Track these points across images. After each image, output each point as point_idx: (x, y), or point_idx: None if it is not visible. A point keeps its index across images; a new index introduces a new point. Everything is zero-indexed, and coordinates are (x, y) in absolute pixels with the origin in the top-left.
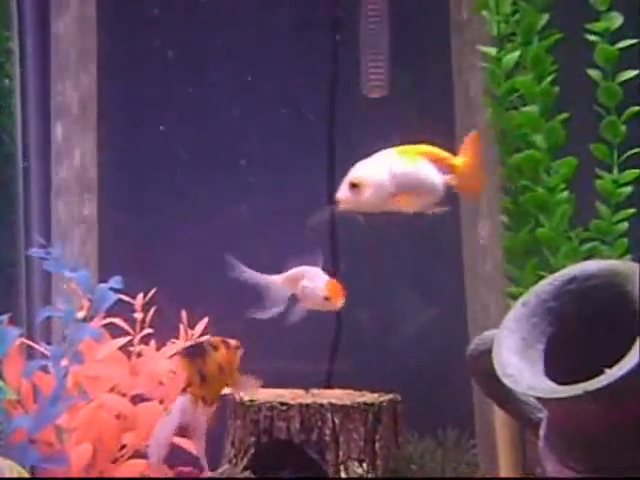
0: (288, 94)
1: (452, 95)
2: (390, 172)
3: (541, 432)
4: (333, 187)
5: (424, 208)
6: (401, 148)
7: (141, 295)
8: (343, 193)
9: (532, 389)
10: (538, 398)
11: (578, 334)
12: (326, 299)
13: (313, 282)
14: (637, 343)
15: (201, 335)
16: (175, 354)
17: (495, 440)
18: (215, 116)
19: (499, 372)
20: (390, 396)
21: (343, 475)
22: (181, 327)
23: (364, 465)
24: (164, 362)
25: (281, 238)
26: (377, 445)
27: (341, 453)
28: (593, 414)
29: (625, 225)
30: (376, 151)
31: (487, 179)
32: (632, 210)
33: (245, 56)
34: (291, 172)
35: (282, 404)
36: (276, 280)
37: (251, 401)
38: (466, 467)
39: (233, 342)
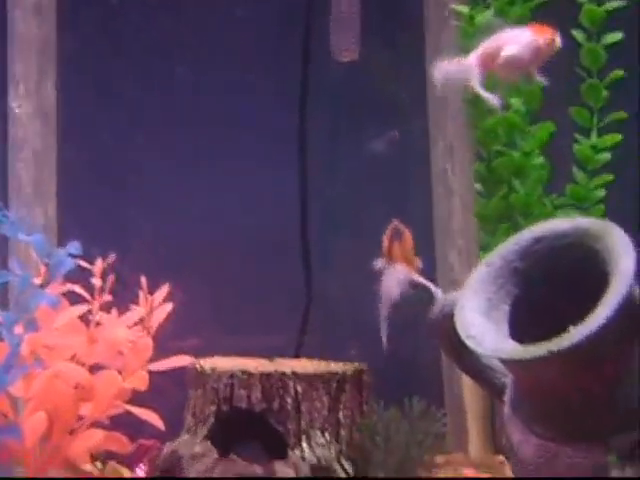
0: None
1: (424, 59)
2: None
3: (506, 398)
4: (304, 157)
5: None
6: None
7: (100, 261)
8: None
9: (495, 351)
10: (502, 360)
11: (545, 295)
12: None
13: None
14: (602, 303)
15: (163, 302)
16: None
17: (464, 411)
18: (181, 89)
19: (462, 333)
20: (355, 365)
21: (305, 445)
22: (140, 294)
23: (327, 435)
24: (124, 331)
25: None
26: (341, 415)
27: (303, 422)
28: (558, 376)
29: (602, 192)
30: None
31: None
32: (610, 176)
33: (211, 32)
34: (258, 142)
35: (243, 372)
36: None
37: (212, 369)
38: (433, 438)
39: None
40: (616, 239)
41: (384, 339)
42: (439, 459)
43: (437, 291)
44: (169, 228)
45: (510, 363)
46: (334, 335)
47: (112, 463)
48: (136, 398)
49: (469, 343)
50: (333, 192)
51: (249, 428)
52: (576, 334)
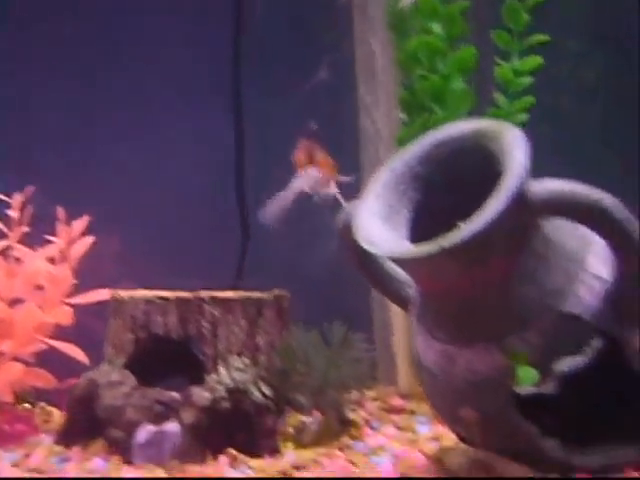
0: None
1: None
2: None
3: (411, 308)
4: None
5: None
6: None
7: (17, 193)
8: None
9: (390, 251)
10: (397, 260)
11: (447, 200)
12: None
13: None
14: (492, 200)
15: (81, 235)
16: None
17: (392, 337)
18: (115, 36)
19: (359, 236)
20: (276, 292)
21: (222, 369)
22: (59, 226)
23: (244, 359)
24: (42, 263)
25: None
26: (259, 339)
27: (220, 347)
28: (454, 275)
29: (523, 116)
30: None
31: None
32: (531, 99)
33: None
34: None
35: (160, 298)
36: None
37: (129, 297)
38: (353, 363)
39: None
40: (510, 138)
41: (268, 215)
42: (370, 393)
43: (343, 200)
44: (104, 169)
45: (405, 262)
46: (271, 273)
47: (41, 404)
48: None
49: (366, 245)
50: (267, 134)
51: (166, 354)
52: (466, 229)
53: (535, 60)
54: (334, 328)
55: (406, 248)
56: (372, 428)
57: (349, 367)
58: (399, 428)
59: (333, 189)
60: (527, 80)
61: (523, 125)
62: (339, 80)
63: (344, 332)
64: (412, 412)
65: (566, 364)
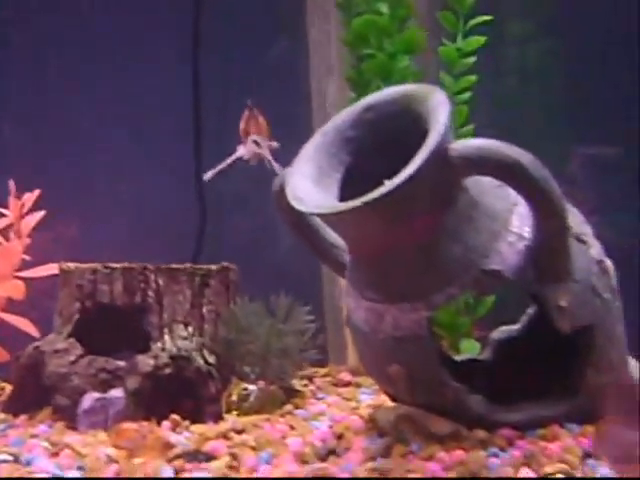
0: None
1: None
2: None
3: (346, 272)
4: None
5: None
6: None
7: None
8: None
9: (317, 207)
10: (322, 217)
11: (378, 163)
12: None
13: None
14: (415, 158)
15: (32, 209)
16: None
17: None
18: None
19: (289, 196)
20: (224, 264)
21: (167, 338)
22: (10, 199)
23: (190, 328)
24: None
25: None
26: (204, 309)
27: (165, 315)
28: (379, 231)
29: (467, 94)
30: None
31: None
32: (473, 77)
33: None
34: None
35: (105, 267)
36: None
37: (76, 267)
38: (294, 335)
39: None
40: (435, 101)
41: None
42: (322, 371)
43: (277, 166)
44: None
45: (332, 220)
46: (229, 245)
47: None
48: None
49: (294, 204)
50: (225, 102)
51: (111, 323)
52: (387, 185)
53: (478, 40)
54: (280, 300)
55: (332, 204)
56: (317, 399)
57: (292, 337)
58: (343, 398)
59: (269, 156)
60: (471, 60)
61: (466, 103)
62: (294, 56)
63: (289, 304)
64: (358, 385)
65: (501, 332)
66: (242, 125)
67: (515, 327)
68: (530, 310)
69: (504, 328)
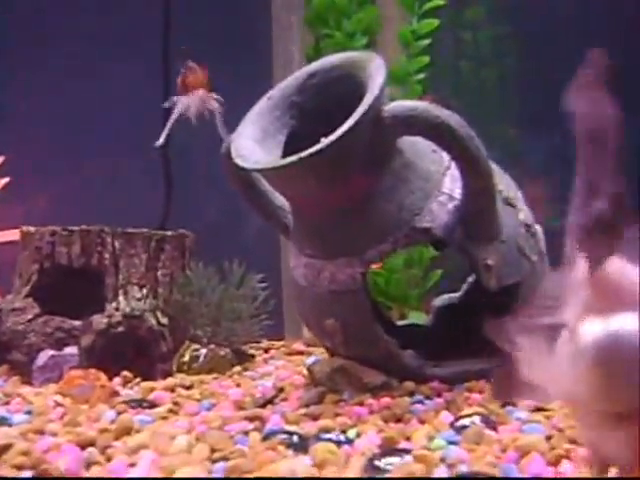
0: None
1: None
2: None
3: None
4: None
5: None
6: None
7: None
8: None
9: (257, 163)
10: (262, 172)
11: (321, 126)
12: None
13: None
14: (353, 115)
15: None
16: None
17: None
18: None
19: (233, 154)
20: (181, 231)
21: (121, 299)
22: None
23: (144, 290)
24: None
25: None
26: (159, 273)
27: (121, 277)
28: (316, 188)
29: (421, 75)
30: None
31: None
32: (426, 58)
33: None
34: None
35: (64, 229)
36: None
37: (36, 229)
38: (246, 300)
39: None
40: (374, 66)
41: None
42: (279, 343)
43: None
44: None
45: (270, 175)
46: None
47: None
48: None
49: (238, 161)
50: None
51: (69, 284)
52: (323, 142)
53: (431, 24)
54: (234, 267)
55: (270, 160)
56: (267, 363)
57: (244, 303)
58: (291, 362)
59: (213, 107)
60: (425, 42)
61: (420, 83)
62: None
63: (242, 271)
64: (310, 354)
65: (442, 300)
66: (180, 80)
67: (456, 295)
68: (470, 278)
69: (445, 296)
